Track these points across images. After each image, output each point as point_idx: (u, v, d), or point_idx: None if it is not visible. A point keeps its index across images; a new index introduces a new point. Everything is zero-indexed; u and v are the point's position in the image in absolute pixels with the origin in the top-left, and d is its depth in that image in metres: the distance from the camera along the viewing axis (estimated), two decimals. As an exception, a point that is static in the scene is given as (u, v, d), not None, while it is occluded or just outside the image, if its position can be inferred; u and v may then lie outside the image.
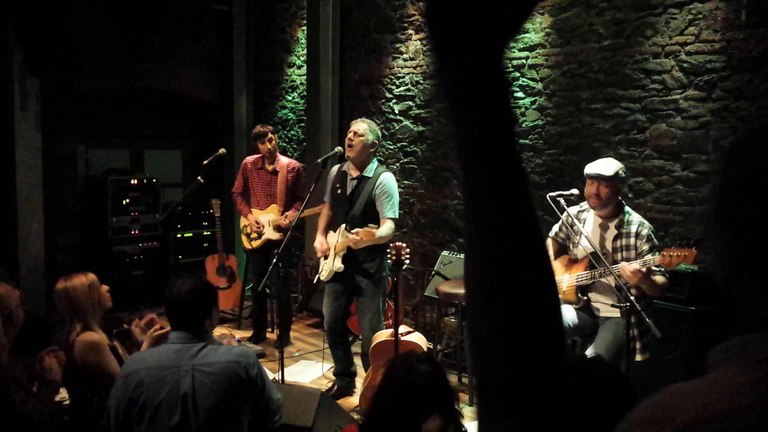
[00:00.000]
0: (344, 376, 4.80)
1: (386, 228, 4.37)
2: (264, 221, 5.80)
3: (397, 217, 4.53)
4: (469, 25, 0.65)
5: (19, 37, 5.97)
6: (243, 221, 5.97)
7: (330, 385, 4.85)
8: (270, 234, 5.74)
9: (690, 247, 3.41)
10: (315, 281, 4.75)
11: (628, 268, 3.45)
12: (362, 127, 4.48)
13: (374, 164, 4.53)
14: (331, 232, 4.60)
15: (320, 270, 4.65)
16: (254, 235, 5.85)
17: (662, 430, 0.67)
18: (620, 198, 3.81)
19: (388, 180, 4.48)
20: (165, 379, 2.44)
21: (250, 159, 6.00)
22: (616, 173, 3.67)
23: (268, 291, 5.90)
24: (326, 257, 4.59)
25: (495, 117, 0.67)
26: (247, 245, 5.99)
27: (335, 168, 4.71)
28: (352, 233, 4.29)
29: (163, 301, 2.66)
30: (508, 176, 0.68)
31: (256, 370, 2.59)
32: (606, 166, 3.71)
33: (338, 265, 4.47)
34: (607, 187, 3.67)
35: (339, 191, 4.56)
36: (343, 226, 4.46)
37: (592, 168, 3.73)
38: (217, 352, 2.56)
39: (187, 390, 2.43)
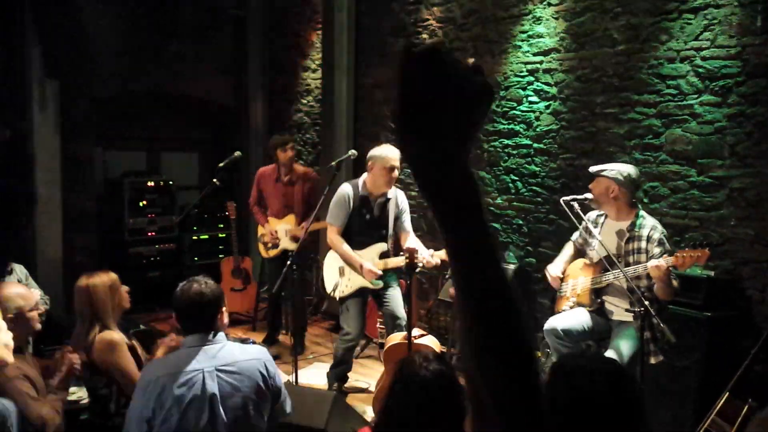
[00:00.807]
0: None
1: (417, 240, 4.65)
2: (281, 230, 5.82)
3: None
4: (434, 134, 0.80)
5: (39, 39, 6.06)
6: (260, 230, 6.00)
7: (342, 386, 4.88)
8: (286, 244, 5.76)
9: (703, 248, 3.40)
10: (338, 299, 4.73)
11: (654, 263, 3.48)
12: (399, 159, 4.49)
13: None
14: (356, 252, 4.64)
15: (340, 287, 4.66)
16: (270, 244, 5.87)
17: None
18: (633, 201, 3.83)
19: (404, 196, 4.76)
20: (190, 382, 2.45)
21: (265, 170, 5.96)
22: (599, 170, 3.80)
23: (282, 294, 5.93)
24: (342, 274, 4.65)
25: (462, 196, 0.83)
26: (264, 254, 6.01)
27: (350, 192, 4.59)
28: (436, 256, 4.35)
29: (172, 307, 2.69)
30: (476, 243, 0.84)
31: (273, 366, 2.65)
32: (600, 166, 3.86)
33: (379, 283, 4.59)
34: (597, 184, 3.81)
35: (367, 216, 4.61)
36: (384, 245, 4.63)
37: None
38: (235, 351, 2.59)
39: (214, 391, 2.46)
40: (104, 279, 3.25)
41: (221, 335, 2.65)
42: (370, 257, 4.57)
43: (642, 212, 3.82)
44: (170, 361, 2.57)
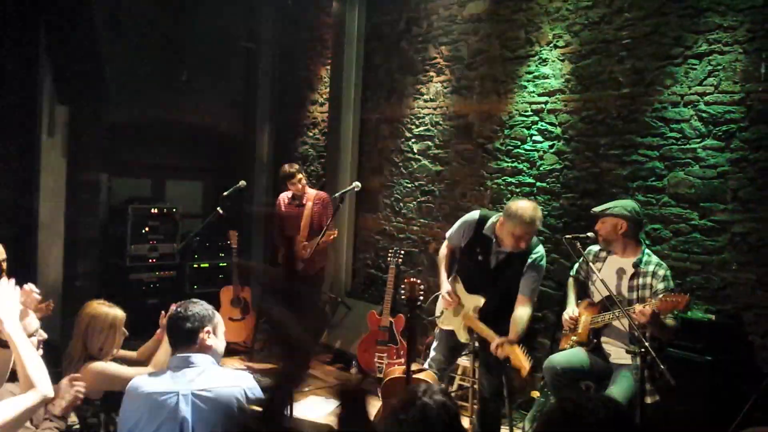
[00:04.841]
0: None
1: (526, 313, 3.87)
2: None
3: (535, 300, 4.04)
4: None
5: (50, 65, 6.13)
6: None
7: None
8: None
9: (685, 294, 3.40)
10: (436, 325, 4.38)
11: (637, 308, 3.50)
12: (538, 218, 3.83)
13: None
14: (459, 287, 4.21)
15: (441, 318, 4.29)
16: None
17: None
18: (639, 237, 3.86)
19: (542, 254, 3.97)
20: (164, 404, 2.45)
21: (284, 197, 6.26)
22: (604, 210, 3.87)
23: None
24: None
25: None
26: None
27: (473, 221, 4.13)
28: (507, 341, 3.79)
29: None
30: None
31: (255, 393, 2.57)
32: (603, 206, 3.93)
33: (465, 336, 4.12)
34: (603, 224, 3.87)
35: (480, 257, 4.03)
36: (482, 300, 4.04)
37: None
38: (215, 376, 2.57)
39: (185, 415, 2.44)
40: (108, 314, 3.25)
41: (204, 359, 2.61)
42: (467, 307, 4.10)
43: (647, 250, 3.87)
44: (152, 380, 2.57)
